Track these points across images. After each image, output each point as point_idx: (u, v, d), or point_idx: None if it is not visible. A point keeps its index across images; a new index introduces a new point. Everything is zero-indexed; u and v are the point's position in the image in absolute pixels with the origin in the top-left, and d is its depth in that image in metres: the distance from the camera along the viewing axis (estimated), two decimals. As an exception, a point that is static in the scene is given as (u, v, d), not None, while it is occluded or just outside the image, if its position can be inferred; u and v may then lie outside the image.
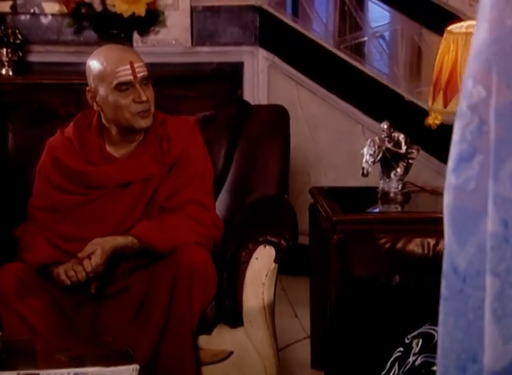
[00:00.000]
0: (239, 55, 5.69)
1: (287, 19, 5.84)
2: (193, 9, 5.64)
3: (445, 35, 3.91)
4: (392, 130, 4.04)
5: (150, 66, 5.19)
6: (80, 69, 5.29)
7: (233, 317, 3.63)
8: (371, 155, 3.95)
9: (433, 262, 3.59)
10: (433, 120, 3.97)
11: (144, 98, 3.51)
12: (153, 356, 3.35)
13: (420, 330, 2.89)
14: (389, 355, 2.93)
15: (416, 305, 3.33)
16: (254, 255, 3.59)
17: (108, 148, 3.72)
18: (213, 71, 5.57)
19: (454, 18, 5.34)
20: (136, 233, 3.54)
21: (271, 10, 5.78)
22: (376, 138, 4.00)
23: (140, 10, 5.04)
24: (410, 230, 3.78)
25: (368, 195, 4.26)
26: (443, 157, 5.00)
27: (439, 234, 3.55)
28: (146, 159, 3.66)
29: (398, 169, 4.03)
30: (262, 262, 3.61)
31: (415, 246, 3.62)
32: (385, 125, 4.05)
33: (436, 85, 3.92)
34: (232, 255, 3.62)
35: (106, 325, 3.47)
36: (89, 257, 3.42)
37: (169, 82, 4.98)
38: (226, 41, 5.43)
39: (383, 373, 2.90)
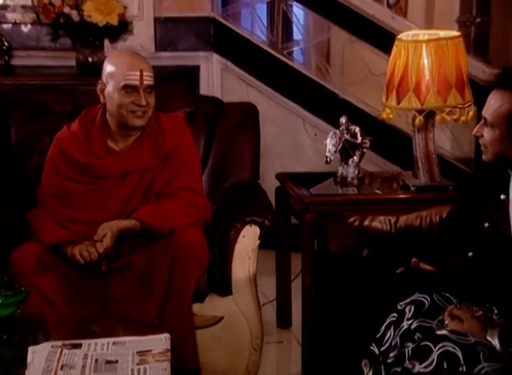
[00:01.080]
0: (195, 59, 5.74)
1: (237, 29, 5.89)
2: (156, 20, 5.64)
3: (396, 42, 3.94)
4: (349, 123, 4.02)
5: None
6: (57, 72, 5.21)
7: (223, 287, 3.61)
8: (333, 145, 3.99)
9: (395, 236, 3.64)
10: (387, 115, 3.96)
11: (144, 103, 3.47)
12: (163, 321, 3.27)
13: (412, 298, 2.82)
14: (382, 321, 2.86)
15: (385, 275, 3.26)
16: (242, 234, 3.57)
17: (110, 143, 3.65)
18: (173, 73, 5.48)
19: (380, 29, 5.38)
20: (139, 217, 3.49)
21: (223, 21, 5.83)
22: (337, 131, 4.00)
23: (114, 20, 5.04)
24: (374, 209, 3.75)
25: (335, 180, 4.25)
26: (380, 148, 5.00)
27: (397, 212, 3.56)
28: (143, 152, 3.61)
29: (354, 157, 4.07)
30: (248, 239, 3.59)
31: (379, 223, 3.62)
32: (343, 119, 4.07)
33: (389, 85, 3.93)
34: (222, 233, 3.59)
35: (113, 297, 3.40)
36: (101, 240, 3.38)
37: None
38: (185, 47, 5.43)
39: (378, 335, 2.82)
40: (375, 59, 5.89)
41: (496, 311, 2.74)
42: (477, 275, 3.06)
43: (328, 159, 4.06)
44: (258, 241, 3.62)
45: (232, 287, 3.60)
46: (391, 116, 3.98)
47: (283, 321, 4.59)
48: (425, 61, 3.82)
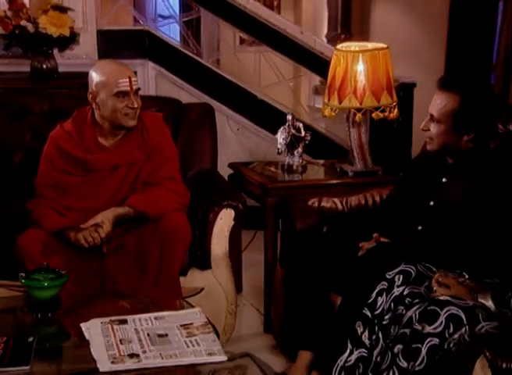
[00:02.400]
0: (133, 66, 5.41)
1: (167, 40, 5.74)
2: (98, 32, 5.40)
3: (335, 52, 3.88)
4: (294, 120, 3.94)
5: (67, 74, 4.93)
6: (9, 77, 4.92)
7: (203, 262, 3.50)
8: (283, 138, 3.93)
9: (347, 214, 3.58)
10: (329, 113, 3.89)
11: (136, 105, 3.33)
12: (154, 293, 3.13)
13: (399, 268, 2.75)
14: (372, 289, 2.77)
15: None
16: (219, 216, 3.48)
17: (100, 139, 3.46)
18: None
19: (290, 41, 5.34)
20: (132, 204, 3.34)
21: (156, 33, 5.66)
22: (286, 126, 3.91)
23: (66, 32, 4.80)
24: (324, 192, 3.70)
25: (276, 168, 4.15)
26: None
27: (345, 194, 3.51)
28: (131, 147, 3.44)
29: (299, 149, 3.99)
30: (225, 221, 3.50)
31: (333, 203, 3.60)
32: (289, 116, 3.98)
33: (331, 87, 3.88)
34: (202, 216, 3.48)
35: (110, 275, 3.25)
36: (100, 226, 3.24)
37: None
38: (123, 55, 5.13)
39: (369, 301, 2.74)
40: (286, 66, 5.91)
41: (466, 276, 2.69)
42: (427, 245, 3.03)
43: (280, 150, 4.03)
44: (233, 222, 3.52)
45: (211, 262, 3.51)
46: (333, 114, 3.90)
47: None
48: (362, 68, 3.78)
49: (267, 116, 5.48)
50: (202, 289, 3.48)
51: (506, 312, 2.47)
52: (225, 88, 5.59)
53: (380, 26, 6.98)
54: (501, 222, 2.89)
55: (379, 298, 2.71)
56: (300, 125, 3.95)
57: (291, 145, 3.97)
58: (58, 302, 2.67)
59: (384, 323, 2.66)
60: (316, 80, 6.56)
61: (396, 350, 2.48)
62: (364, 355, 2.69)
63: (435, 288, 2.62)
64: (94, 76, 3.36)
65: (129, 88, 3.30)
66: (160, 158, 3.48)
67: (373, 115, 3.83)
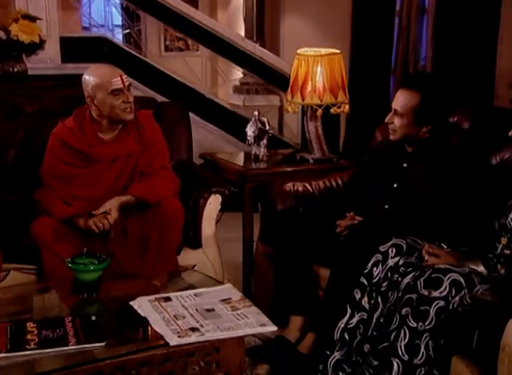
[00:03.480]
0: None
1: (122, 45, 5.62)
2: (61, 38, 5.20)
3: (296, 56, 3.83)
4: (260, 115, 3.88)
5: (33, 77, 4.70)
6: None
7: (195, 242, 3.40)
8: (252, 132, 3.85)
9: (318, 196, 3.54)
10: (292, 109, 3.87)
11: (131, 99, 3.20)
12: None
13: (391, 242, 2.72)
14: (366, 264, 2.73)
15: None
16: (208, 201, 3.39)
17: (100, 134, 3.30)
18: (75, 79, 5.07)
19: (233, 47, 5.28)
20: (134, 193, 3.23)
21: (113, 39, 5.60)
22: (253, 121, 3.84)
23: (36, 39, 4.64)
24: (295, 177, 3.65)
25: (245, 158, 4.07)
26: (230, 131, 4.94)
27: (313, 179, 3.48)
28: (128, 141, 3.31)
29: (264, 140, 3.91)
30: (213, 205, 3.42)
31: (304, 187, 3.55)
32: (256, 112, 3.90)
33: (293, 87, 3.83)
34: (194, 202, 3.38)
35: (116, 257, 3.09)
36: (108, 213, 3.13)
37: (53, 88, 4.52)
38: (84, 59, 4.92)
39: (365, 271, 2.70)
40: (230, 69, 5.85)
41: (445, 246, 2.71)
42: (394, 221, 3.04)
43: (249, 142, 3.95)
44: (220, 206, 3.45)
45: (202, 241, 3.41)
46: (296, 110, 3.87)
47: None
48: (321, 70, 3.74)
49: (215, 113, 5.40)
50: (194, 266, 3.34)
51: (496, 275, 2.49)
52: (177, 88, 5.48)
53: (289, 37, 6.95)
54: (455, 199, 2.92)
55: (375, 268, 2.68)
56: (265, 120, 3.89)
57: (258, 137, 3.88)
58: (99, 284, 2.51)
59: (382, 289, 2.64)
60: (236, 81, 6.58)
61: (403, 312, 2.46)
62: (364, 317, 2.66)
63: (426, 258, 2.62)
64: (89, 81, 3.20)
65: (122, 85, 3.16)
66: (153, 150, 3.35)
67: (331, 110, 3.81)
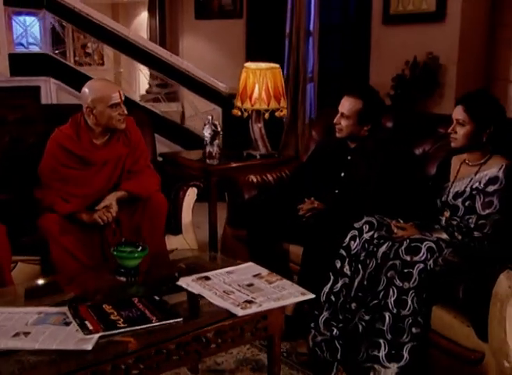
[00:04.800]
0: (37, 82, 5.09)
1: (63, 60, 5.24)
2: (10, 55, 4.87)
3: (244, 69, 3.81)
4: (213, 119, 3.83)
5: None
6: None
7: (176, 229, 3.33)
8: (209, 133, 3.77)
9: (275, 184, 3.55)
10: (236, 112, 3.84)
11: (126, 112, 3.07)
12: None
13: (364, 220, 2.76)
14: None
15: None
16: (187, 193, 3.34)
17: (93, 140, 3.13)
18: (22, 91, 4.81)
19: (165, 63, 5.16)
20: (127, 188, 3.11)
21: (54, 55, 5.22)
22: (208, 124, 3.78)
23: None
24: (251, 170, 3.65)
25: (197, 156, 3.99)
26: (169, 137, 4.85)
27: (266, 171, 3.50)
28: (118, 145, 3.16)
29: (217, 140, 3.85)
30: (191, 196, 3.36)
31: (262, 178, 3.55)
32: (209, 117, 3.83)
33: (243, 95, 3.82)
34: (174, 194, 3.32)
35: (111, 246, 2.91)
36: (110, 207, 3.01)
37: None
38: (30, 73, 4.67)
39: (344, 245, 2.73)
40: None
41: (401, 221, 2.81)
42: (343, 204, 3.14)
43: (206, 142, 3.85)
44: (195, 197, 3.38)
45: (182, 228, 3.34)
46: (244, 114, 3.86)
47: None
48: (267, 80, 3.75)
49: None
50: (176, 249, 3.25)
51: (455, 241, 2.63)
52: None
53: (188, 52, 6.90)
54: (391, 182, 3.06)
55: (352, 242, 2.73)
56: (217, 123, 3.82)
57: (211, 138, 3.82)
58: (138, 269, 2.38)
59: (361, 258, 2.70)
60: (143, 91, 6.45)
61: (389, 275, 2.54)
62: (347, 282, 2.71)
63: (395, 230, 2.71)
64: (89, 94, 3.03)
65: (119, 100, 3.03)
66: (138, 151, 3.23)
67: (276, 113, 3.83)
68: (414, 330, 2.46)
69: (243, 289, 2.18)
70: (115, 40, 5.24)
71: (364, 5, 5.51)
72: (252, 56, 6.37)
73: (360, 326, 2.59)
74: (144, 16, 7.84)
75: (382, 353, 2.48)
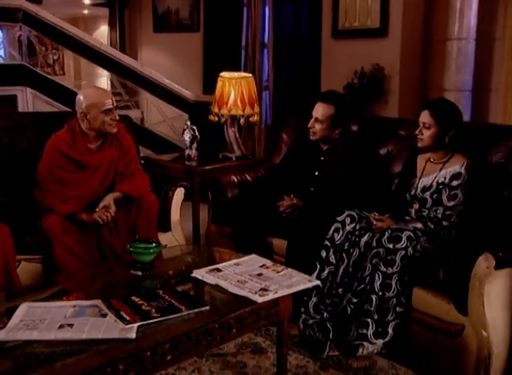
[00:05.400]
0: (14, 91, 4.90)
1: (39, 70, 5.05)
2: None
3: (220, 78, 3.83)
4: (190, 124, 3.83)
5: None
6: None
7: (165, 226, 3.31)
8: (189, 137, 3.78)
9: (254, 183, 3.57)
10: (213, 118, 3.86)
11: (118, 118, 3.03)
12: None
13: (346, 214, 2.81)
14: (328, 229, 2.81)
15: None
16: (175, 193, 3.34)
17: (88, 144, 3.08)
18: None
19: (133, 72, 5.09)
20: (122, 190, 3.08)
21: (29, 66, 5.06)
22: (188, 129, 3.78)
23: None
24: (230, 171, 3.66)
25: (179, 158, 3.97)
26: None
27: (244, 171, 3.54)
28: (111, 150, 3.12)
29: (195, 144, 3.85)
30: (179, 196, 3.36)
31: (241, 178, 3.58)
32: (188, 122, 3.84)
33: (220, 101, 3.83)
34: (164, 194, 3.31)
35: (109, 244, 2.99)
36: (109, 207, 2.97)
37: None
38: (8, 83, 4.55)
39: (328, 237, 2.78)
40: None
41: (376, 214, 2.91)
42: (318, 200, 3.22)
43: (186, 146, 3.86)
44: (183, 197, 3.38)
45: (171, 226, 3.33)
46: (220, 119, 3.86)
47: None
48: (242, 88, 3.79)
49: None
50: (166, 245, 3.23)
51: (429, 230, 2.74)
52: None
53: (147, 63, 6.81)
54: (359, 179, 3.17)
55: (336, 233, 2.79)
56: (194, 127, 3.82)
57: (190, 141, 3.82)
58: (153, 263, 2.37)
59: (345, 248, 2.78)
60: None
61: (374, 262, 2.62)
62: (332, 269, 2.78)
63: (374, 222, 2.80)
64: (83, 101, 2.99)
65: (112, 106, 2.99)
66: (129, 155, 3.20)
67: (250, 119, 3.87)
68: (397, 309, 2.56)
69: (255, 278, 2.20)
70: (87, 50, 5.12)
71: (315, 20, 5.62)
72: (209, 67, 6.40)
73: (349, 309, 2.66)
74: (103, 29, 7.69)
75: (370, 331, 2.56)
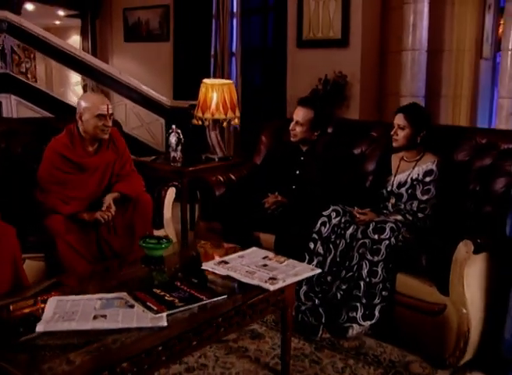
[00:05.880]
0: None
1: (23, 78, 4.91)
2: None
3: (202, 85, 3.84)
4: (175, 128, 3.83)
5: None
6: None
7: (159, 224, 3.28)
8: (175, 140, 3.78)
9: (238, 182, 3.58)
10: (197, 121, 3.88)
11: (109, 124, 2.98)
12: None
13: (331, 208, 2.87)
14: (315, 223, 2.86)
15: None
16: (167, 193, 3.33)
17: (86, 147, 3.05)
18: None
19: (112, 79, 5.03)
20: (120, 190, 3.06)
21: (15, 74, 4.94)
22: (174, 132, 3.79)
23: None
24: (215, 171, 3.68)
25: (164, 160, 3.95)
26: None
27: (229, 171, 3.58)
28: (108, 152, 3.09)
29: (180, 146, 3.86)
30: (170, 195, 3.35)
31: (228, 177, 3.60)
32: (173, 126, 3.84)
33: (203, 106, 3.84)
34: (157, 194, 3.29)
35: (108, 242, 2.96)
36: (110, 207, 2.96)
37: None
38: None
39: (315, 230, 2.83)
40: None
41: (356, 208, 2.99)
42: (300, 197, 3.29)
43: (172, 148, 3.86)
44: (174, 196, 3.37)
45: (164, 223, 3.31)
46: (203, 123, 3.88)
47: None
48: (224, 94, 3.81)
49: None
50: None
51: (407, 222, 2.84)
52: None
53: (119, 69, 6.72)
54: (336, 177, 3.25)
55: (322, 227, 2.85)
56: (179, 131, 3.82)
57: (175, 144, 3.82)
58: (163, 258, 2.38)
59: (332, 240, 2.85)
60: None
61: (361, 251, 2.71)
62: (321, 260, 2.84)
63: (358, 215, 2.89)
64: (82, 103, 2.97)
65: (106, 112, 2.96)
66: (124, 157, 3.17)
67: (232, 122, 3.89)
68: (383, 293, 2.65)
69: (262, 269, 2.24)
70: (69, 59, 5.02)
71: (281, 31, 5.70)
72: (179, 75, 6.38)
73: (339, 294, 2.74)
74: (74, 39, 7.53)
75: (359, 314, 2.65)
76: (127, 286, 2.04)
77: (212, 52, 6.13)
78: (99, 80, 5.33)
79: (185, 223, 3.63)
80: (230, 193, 3.46)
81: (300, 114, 3.30)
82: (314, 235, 2.86)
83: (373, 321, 2.65)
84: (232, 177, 3.57)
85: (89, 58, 5.19)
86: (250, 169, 3.70)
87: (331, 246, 2.83)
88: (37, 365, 1.47)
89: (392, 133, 3.00)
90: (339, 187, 3.22)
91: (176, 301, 1.88)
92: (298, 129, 3.32)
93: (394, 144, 2.99)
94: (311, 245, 2.86)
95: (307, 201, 3.16)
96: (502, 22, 5.61)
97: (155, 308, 1.82)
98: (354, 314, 2.64)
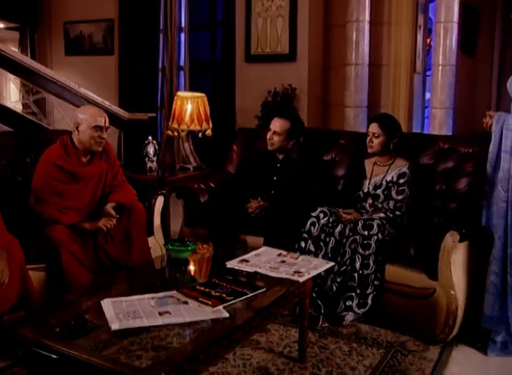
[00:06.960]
0: None
1: None
2: None
3: (177, 97, 3.95)
4: (151, 139, 3.92)
5: None
6: None
7: (149, 231, 3.30)
8: (153, 151, 3.86)
9: (219, 189, 3.70)
10: (172, 132, 3.98)
11: (104, 136, 3.04)
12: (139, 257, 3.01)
13: (319, 210, 3.04)
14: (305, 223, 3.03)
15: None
16: (157, 201, 3.38)
17: (80, 158, 3.07)
18: None
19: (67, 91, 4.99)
20: (116, 199, 3.11)
21: None
22: (151, 143, 3.87)
23: None
24: (193, 179, 3.79)
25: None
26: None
27: (210, 179, 3.72)
28: (101, 162, 3.13)
29: (155, 157, 3.94)
30: (159, 204, 3.41)
31: (208, 184, 3.72)
32: (150, 138, 3.92)
33: (179, 118, 3.95)
34: (148, 202, 3.34)
35: (105, 250, 3.01)
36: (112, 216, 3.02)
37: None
38: None
39: (305, 230, 3.00)
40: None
41: (341, 209, 3.21)
42: (278, 202, 3.50)
43: (149, 158, 3.90)
44: (163, 204, 3.44)
45: (154, 230, 3.36)
46: (176, 134, 3.98)
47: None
48: (198, 106, 3.94)
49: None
50: (150, 248, 3.31)
51: (389, 219, 3.13)
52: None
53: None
54: (309, 182, 3.50)
55: (312, 227, 3.06)
56: (155, 142, 3.90)
57: (152, 154, 3.90)
58: (187, 259, 2.49)
59: (321, 238, 3.07)
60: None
61: (353, 247, 2.95)
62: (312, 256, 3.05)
63: (344, 215, 3.13)
64: (80, 114, 3.02)
65: (103, 125, 3.01)
66: (116, 167, 3.22)
67: (206, 133, 4.02)
68: (375, 283, 2.91)
69: (283, 264, 2.41)
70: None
71: (229, 45, 5.91)
72: (124, 88, 6.39)
73: (334, 287, 2.96)
74: (10, 51, 7.22)
75: (354, 303, 2.89)
76: (164, 286, 2.13)
77: (160, 66, 6.22)
78: (53, 91, 5.23)
79: (169, 231, 3.70)
80: (214, 199, 3.58)
81: (277, 125, 3.51)
82: (305, 234, 3.06)
83: (366, 309, 2.90)
84: (212, 185, 3.69)
85: (43, 68, 5.09)
86: (226, 177, 3.84)
87: (321, 244, 3.05)
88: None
89: (367, 140, 3.28)
90: (309, 193, 3.43)
91: (224, 295, 2.01)
92: (276, 138, 3.53)
93: (369, 151, 3.28)
94: (302, 244, 3.05)
95: (286, 206, 3.36)
96: (428, 41, 6.21)
97: (210, 302, 1.94)
98: (350, 303, 2.88)
